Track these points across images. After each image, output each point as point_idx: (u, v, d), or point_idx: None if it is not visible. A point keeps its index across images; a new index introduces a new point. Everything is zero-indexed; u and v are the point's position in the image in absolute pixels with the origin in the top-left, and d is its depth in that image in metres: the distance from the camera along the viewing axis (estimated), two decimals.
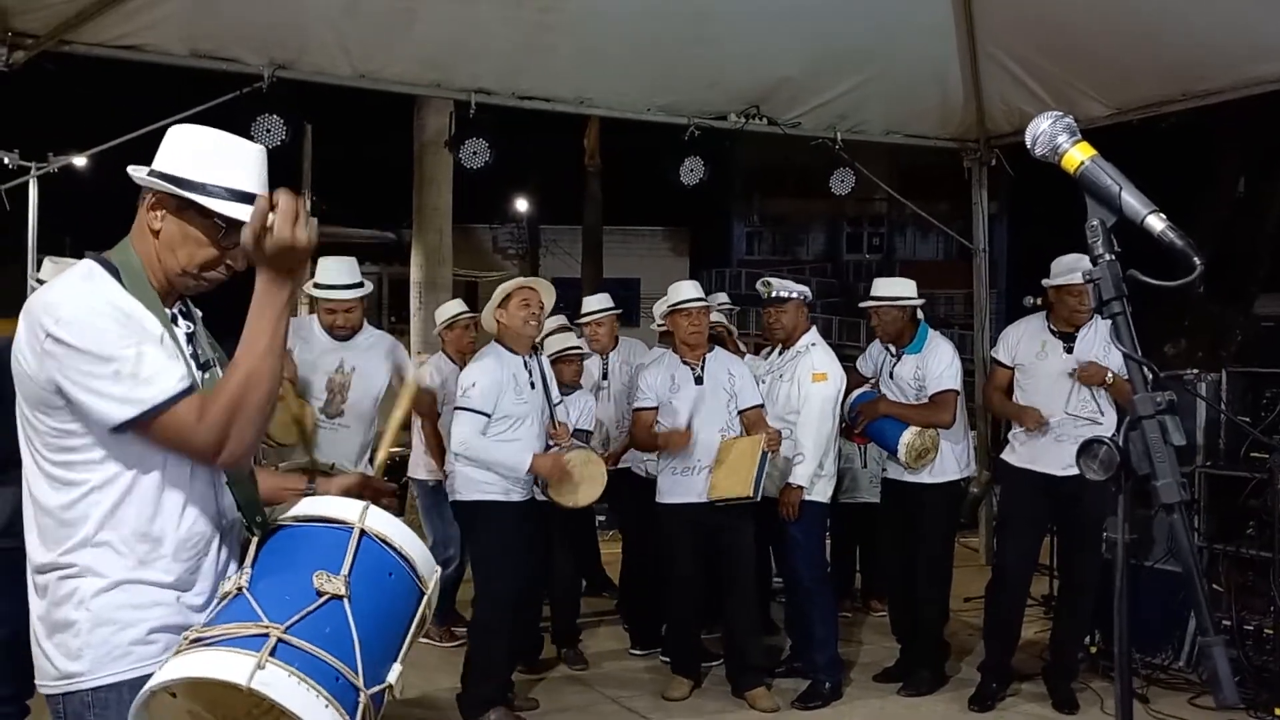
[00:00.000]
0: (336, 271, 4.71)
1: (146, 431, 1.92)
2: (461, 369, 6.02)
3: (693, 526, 5.02)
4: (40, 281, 4.32)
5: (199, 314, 2.25)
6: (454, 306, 6.35)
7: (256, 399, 1.91)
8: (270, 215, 1.87)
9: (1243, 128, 12.82)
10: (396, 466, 7.37)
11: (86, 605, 1.95)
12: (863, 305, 5.51)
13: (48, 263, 4.49)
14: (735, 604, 5.15)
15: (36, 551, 2.00)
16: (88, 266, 2.03)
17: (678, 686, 5.17)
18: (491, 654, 4.68)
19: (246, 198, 1.98)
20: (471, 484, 4.61)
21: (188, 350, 2.07)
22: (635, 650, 5.92)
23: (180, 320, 2.10)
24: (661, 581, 5.36)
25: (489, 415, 4.55)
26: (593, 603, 6.69)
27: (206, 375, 2.08)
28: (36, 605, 2.01)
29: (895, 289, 5.33)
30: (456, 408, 4.62)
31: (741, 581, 5.13)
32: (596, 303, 6.32)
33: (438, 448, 5.78)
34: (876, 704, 5.16)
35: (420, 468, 6.04)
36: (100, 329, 1.90)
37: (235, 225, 1.97)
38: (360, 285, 4.77)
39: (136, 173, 2.05)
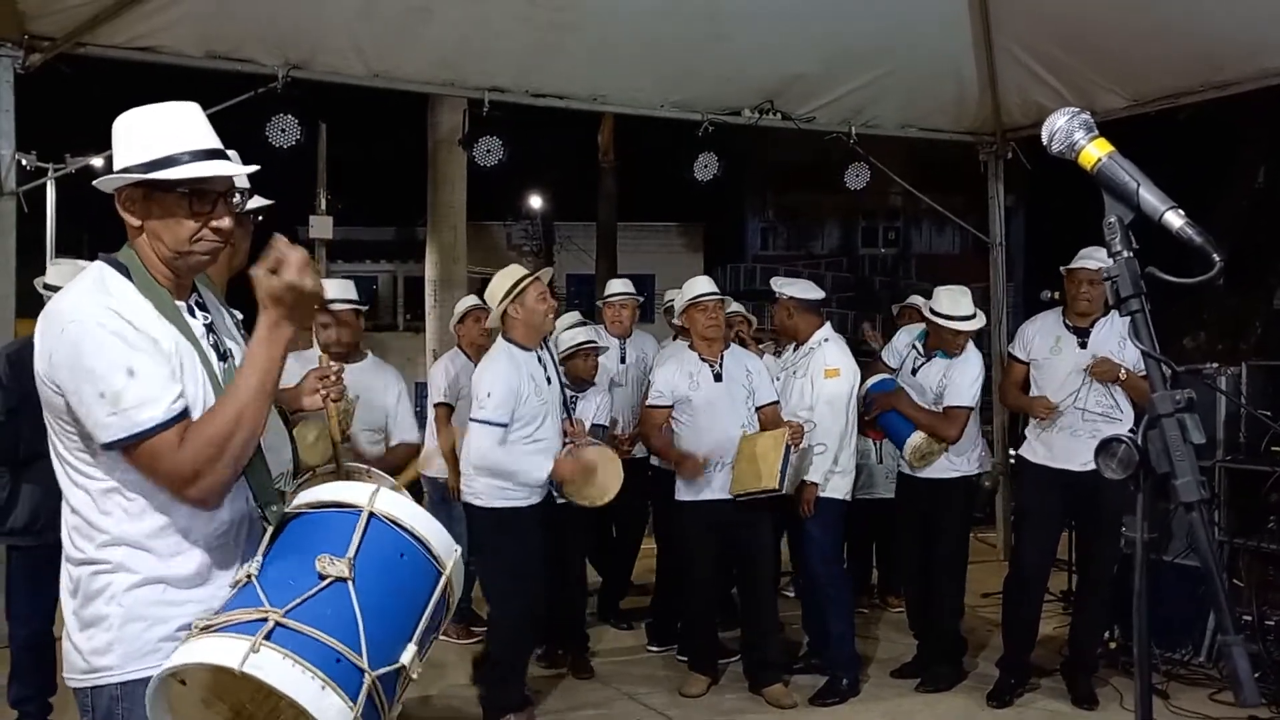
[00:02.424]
0: (335, 288, 4.59)
1: (126, 455, 1.93)
2: (476, 364, 6.04)
3: (712, 524, 5.00)
4: (48, 286, 4.30)
5: (239, 315, 2.26)
6: (466, 301, 6.35)
7: (240, 439, 1.93)
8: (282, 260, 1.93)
9: (1262, 119, 12.73)
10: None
11: (118, 600, 1.98)
12: (957, 328, 5.07)
13: (52, 267, 4.48)
14: (754, 601, 5.14)
15: (69, 548, 2.03)
16: (99, 270, 2.03)
17: (695, 683, 5.17)
18: (512, 659, 4.67)
19: (204, 154, 1.99)
20: (491, 490, 4.54)
21: (207, 340, 2.08)
22: (651, 647, 5.93)
23: (197, 311, 2.11)
24: (680, 578, 5.35)
25: (507, 425, 4.44)
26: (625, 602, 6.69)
27: (225, 365, 2.09)
28: (69, 600, 2.03)
29: (966, 307, 5.08)
30: (472, 419, 4.50)
31: (760, 579, 5.12)
32: (621, 285, 6.25)
33: (452, 456, 5.73)
34: (894, 700, 5.15)
35: (432, 464, 6.03)
36: (98, 342, 1.91)
37: (202, 192, 1.99)
38: (356, 301, 4.65)
39: (98, 182, 2.05)
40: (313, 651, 1.82)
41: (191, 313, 2.09)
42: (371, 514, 1.98)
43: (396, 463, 4.56)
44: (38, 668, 4.33)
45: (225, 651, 1.79)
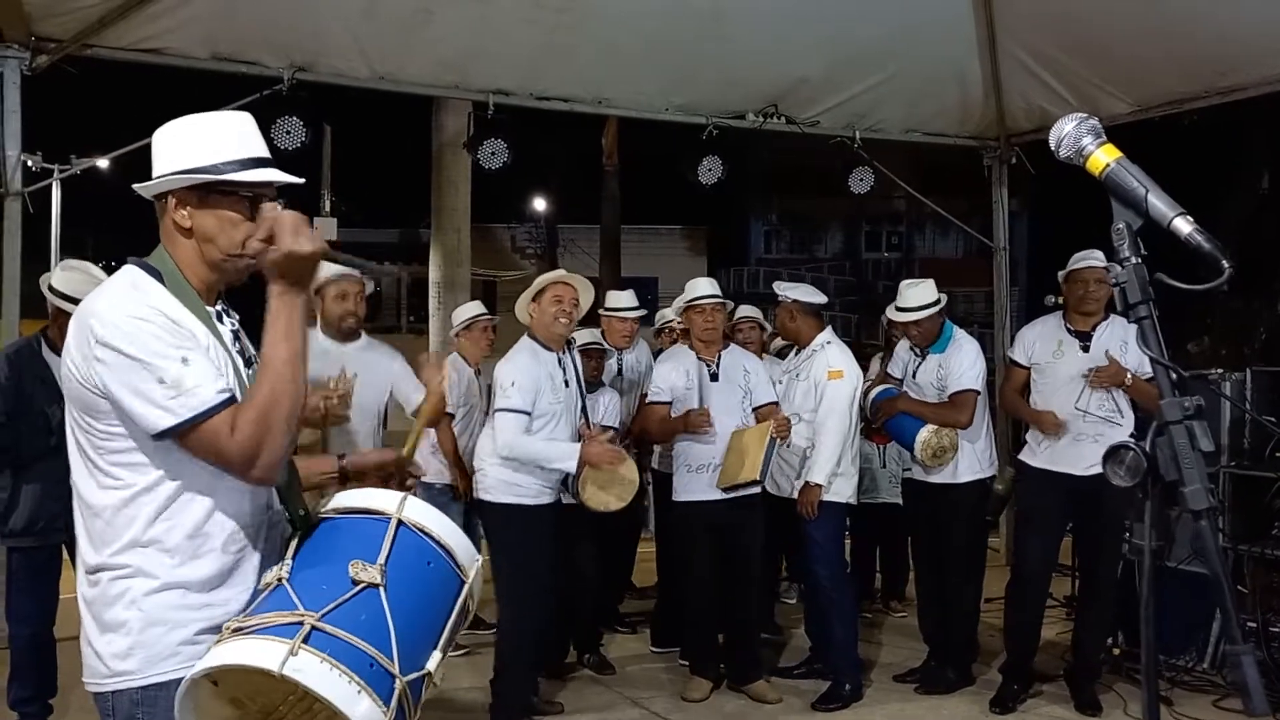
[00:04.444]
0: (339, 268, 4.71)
1: (185, 441, 1.94)
2: (477, 372, 6.00)
3: (709, 524, 5.01)
4: (52, 288, 4.29)
5: (237, 316, 2.28)
6: (472, 308, 6.25)
7: (283, 410, 1.95)
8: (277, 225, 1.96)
9: (1267, 124, 12.71)
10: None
11: (139, 605, 1.98)
12: (902, 320, 5.27)
13: (61, 272, 4.44)
14: (744, 601, 5.16)
15: (87, 553, 2.03)
16: (131, 272, 2.05)
17: (697, 687, 5.16)
18: (521, 661, 4.65)
19: (257, 162, 2.04)
20: (504, 486, 4.56)
21: (234, 347, 2.11)
22: (655, 649, 5.92)
23: (225, 318, 2.14)
24: (678, 579, 5.33)
25: (530, 414, 4.48)
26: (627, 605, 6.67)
27: (251, 371, 2.11)
28: (87, 605, 2.04)
29: (927, 294, 5.21)
30: (497, 409, 4.53)
31: (750, 579, 5.14)
32: (627, 299, 6.14)
33: (453, 452, 5.72)
34: (897, 705, 5.14)
35: (427, 470, 5.96)
36: (147, 335, 1.93)
37: (257, 197, 2.04)
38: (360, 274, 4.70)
39: (146, 185, 2.07)
40: (348, 656, 1.84)
41: (220, 319, 2.12)
42: (400, 522, 2.01)
43: (432, 416, 4.62)
44: (38, 669, 4.33)
45: (265, 654, 1.81)
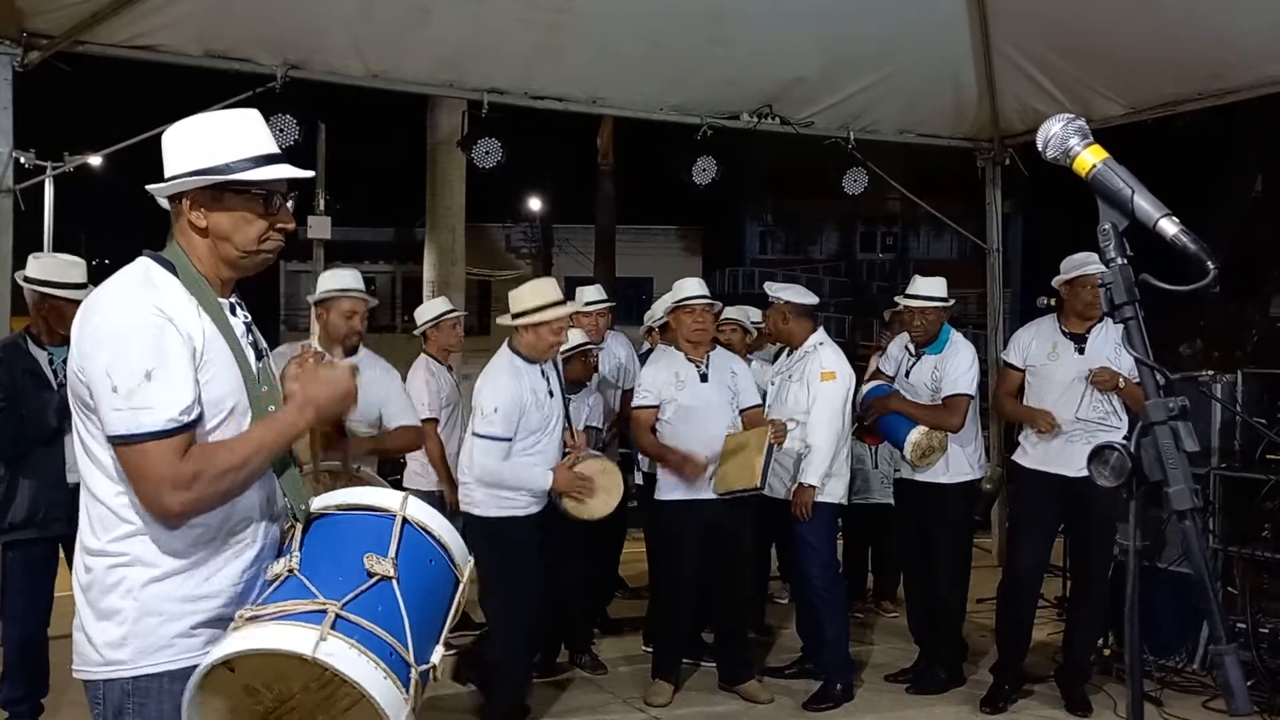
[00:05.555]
0: (351, 277, 4.69)
1: (118, 453, 1.96)
2: (449, 369, 5.93)
3: (696, 523, 4.99)
4: (27, 279, 4.31)
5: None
6: (437, 305, 6.16)
7: (241, 479, 2.01)
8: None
9: (1260, 127, 12.75)
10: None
11: (135, 595, 1.99)
12: (907, 304, 5.30)
13: (34, 260, 4.45)
14: (733, 601, 5.16)
15: (88, 537, 2.05)
16: (144, 266, 2.06)
17: (660, 691, 5.09)
18: (513, 668, 4.63)
19: (268, 159, 2.07)
20: (491, 500, 4.50)
21: (246, 339, 2.12)
22: (647, 648, 5.91)
23: (238, 310, 2.15)
24: (659, 577, 5.31)
25: (511, 439, 4.41)
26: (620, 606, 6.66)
27: (261, 364, 2.14)
28: (83, 591, 2.05)
29: (938, 288, 5.23)
30: (475, 434, 4.46)
31: (738, 579, 5.15)
32: (594, 293, 6.05)
33: (441, 459, 5.64)
34: (888, 705, 5.15)
35: (418, 478, 5.86)
36: (126, 339, 1.93)
37: (269, 194, 2.07)
38: (366, 292, 4.72)
39: (159, 187, 2.08)
40: (372, 643, 1.89)
41: (233, 311, 2.13)
42: (405, 519, 2.06)
43: (401, 444, 4.61)
44: (31, 668, 4.32)
45: (296, 639, 1.84)
